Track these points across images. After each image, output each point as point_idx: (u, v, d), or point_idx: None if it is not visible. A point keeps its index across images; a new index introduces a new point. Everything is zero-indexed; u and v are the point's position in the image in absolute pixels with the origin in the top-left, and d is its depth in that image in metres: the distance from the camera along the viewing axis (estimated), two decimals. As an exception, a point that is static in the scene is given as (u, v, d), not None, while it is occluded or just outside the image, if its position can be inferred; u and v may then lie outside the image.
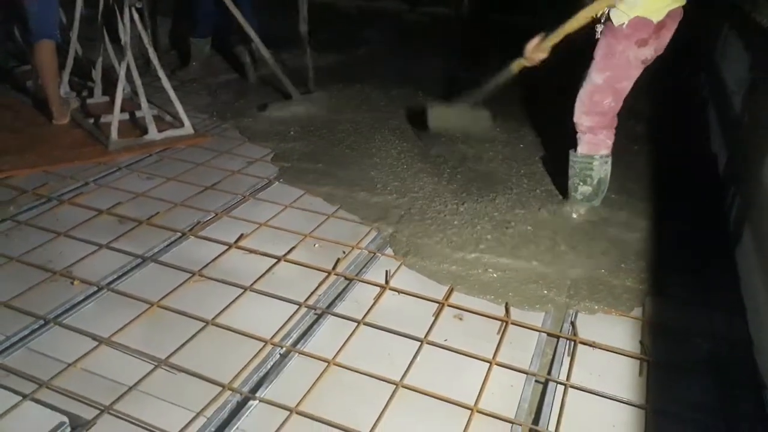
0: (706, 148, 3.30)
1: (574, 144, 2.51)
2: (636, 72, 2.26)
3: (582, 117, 2.39)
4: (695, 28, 4.61)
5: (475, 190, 2.80)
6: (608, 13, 2.17)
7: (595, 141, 2.43)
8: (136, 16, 3.19)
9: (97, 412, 1.57)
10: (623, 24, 2.14)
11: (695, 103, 4.05)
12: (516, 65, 2.56)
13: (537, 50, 2.41)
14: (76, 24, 3.54)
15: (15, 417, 1.54)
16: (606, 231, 2.48)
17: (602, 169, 2.47)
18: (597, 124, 2.39)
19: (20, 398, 1.59)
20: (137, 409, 1.59)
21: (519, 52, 2.50)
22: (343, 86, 4.13)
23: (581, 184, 2.51)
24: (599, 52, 2.26)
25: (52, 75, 3.33)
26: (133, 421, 1.55)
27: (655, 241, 2.42)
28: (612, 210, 2.64)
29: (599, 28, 2.25)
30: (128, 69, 3.19)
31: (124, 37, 3.18)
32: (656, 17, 2.12)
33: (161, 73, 3.30)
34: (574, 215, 2.55)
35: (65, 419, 1.52)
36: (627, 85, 2.30)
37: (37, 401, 1.60)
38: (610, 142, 2.44)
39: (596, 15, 2.20)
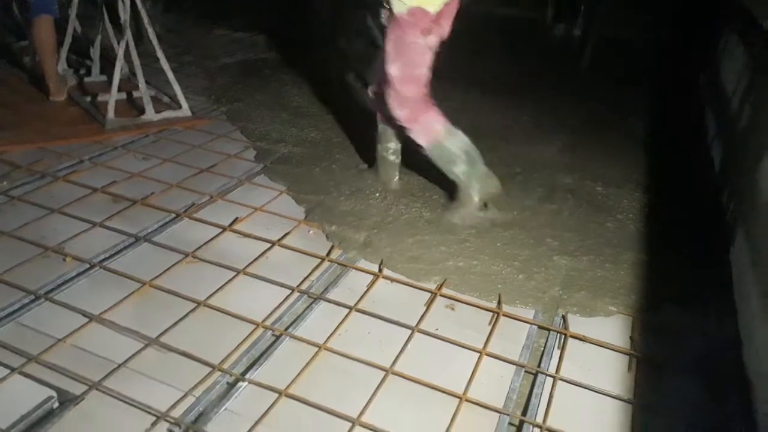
0: (703, 149, 3.32)
1: None
2: (429, 58, 2.24)
3: (397, 110, 2.32)
4: (695, 27, 4.63)
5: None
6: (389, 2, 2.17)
7: (425, 124, 2.33)
8: (136, -6, 3.16)
9: (86, 387, 1.57)
10: (403, 13, 2.14)
11: (694, 103, 4.06)
12: None
13: None
14: (75, 1, 3.50)
15: (2, 390, 1.54)
16: (602, 226, 2.50)
17: (456, 140, 2.36)
18: (415, 110, 2.31)
19: (8, 372, 1.59)
20: (126, 386, 1.58)
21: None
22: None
23: (453, 165, 2.39)
24: (390, 45, 2.23)
25: (50, 51, 3.30)
26: (122, 398, 1.55)
27: (652, 238, 2.43)
28: (606, 205, 2.66)
29: (384, 14, 2.25)
30: (127, 48, 3.17)
31: (123, 15, 3.15)
32: (432, 8, 2.12)
33: (160, 54, 3.27)
34: (476, 198, 2.41)
35: (53, 393, 1.51)
36: (425, 71, 2.26)
37: (26, 375, 1.59)
38: (439, 116, 2.34)
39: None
